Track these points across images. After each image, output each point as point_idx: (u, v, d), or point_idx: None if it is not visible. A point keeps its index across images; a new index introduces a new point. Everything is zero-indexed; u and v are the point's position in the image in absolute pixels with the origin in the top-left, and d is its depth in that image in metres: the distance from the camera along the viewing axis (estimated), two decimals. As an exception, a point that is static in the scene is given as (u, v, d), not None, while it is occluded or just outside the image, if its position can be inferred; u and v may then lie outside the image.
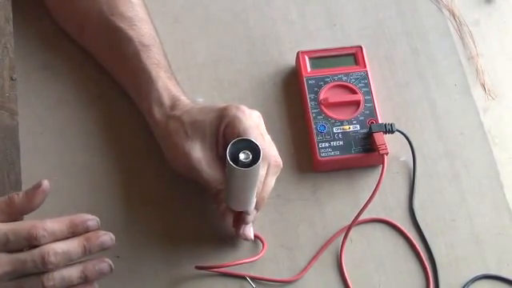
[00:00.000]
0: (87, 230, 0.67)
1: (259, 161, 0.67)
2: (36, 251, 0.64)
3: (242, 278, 0.77)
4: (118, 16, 0.84)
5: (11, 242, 0.64)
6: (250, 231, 0.78)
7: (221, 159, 0.77)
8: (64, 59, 0.90)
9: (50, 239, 0.65)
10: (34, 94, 0.88)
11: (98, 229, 0.67)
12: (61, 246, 0.65)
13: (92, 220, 0.67)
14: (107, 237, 0.67)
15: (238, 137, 0.70)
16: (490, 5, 0.97)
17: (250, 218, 0.77)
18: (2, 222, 0.66)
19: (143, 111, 0.83)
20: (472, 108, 0.89)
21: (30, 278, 0.65)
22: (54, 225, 0.65)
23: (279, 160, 0.78)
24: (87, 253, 0.66)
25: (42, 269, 0.64)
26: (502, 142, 0.87)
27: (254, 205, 0.76)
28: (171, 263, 0.78)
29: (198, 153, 0.76)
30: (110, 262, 0.68)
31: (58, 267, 0.65)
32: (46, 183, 0.68)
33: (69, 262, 0.65)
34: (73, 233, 0.66)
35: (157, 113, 0.80)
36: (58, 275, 0.65)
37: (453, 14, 0.96)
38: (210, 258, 0.78)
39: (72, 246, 0.65)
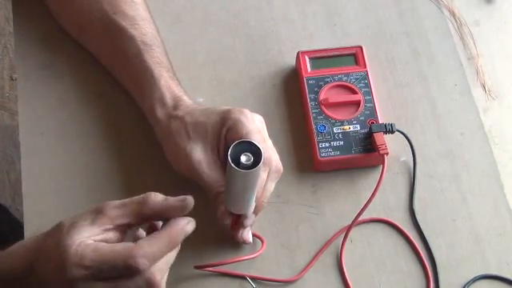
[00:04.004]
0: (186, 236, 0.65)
1: (260, 163, 0.67)
2: (139, 280, 0.62)
3: (242, 277, 0.77)
4: (120, 15, 0.84)
5: (106, 273, 0.61)
6: (248, 235, 0.78)
7: (221, 161, 0.77)
8: (64, 59, 0.90)
9: (151, 263, 0.62)
10: (35, 94, 0.88)
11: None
12: (161, 266, 0.63)
13: (189, 223, 0.65)
14: (190, 226, 0.65)
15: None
16: (490, 5, 0.97)
17: (249, 221, 0.77)
18: (123, 223, 0.63)
19: (145, 110, 0.83)
20: (472, 108, 0.89)
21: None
22: (153, 248, 0.62)
23: (280, 165, 0.78)
24: (174, 246, 0.64)
25: (135, 275, 0.62)
26: (503, 142, 0.87)
27: (253, 208, 0.76)
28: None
29: (199, 154, 0.76)
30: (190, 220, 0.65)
31: (163, 279, 0.64)
32: (190, 200, 0.65)
33: (159, 259, 0.63)
34: (173, 247, 0.64)
35: (159, 112, 0.80)
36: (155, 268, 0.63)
37: (453, 14, 0.96)
38: (210, 257, 0.78)
39: (169, 255, 0.64)
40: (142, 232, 0.69)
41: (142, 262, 0.61)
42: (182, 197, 0.65)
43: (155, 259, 0.62)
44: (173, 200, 0.64)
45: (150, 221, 0.67)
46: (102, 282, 0.62)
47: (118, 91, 0.87)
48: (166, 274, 0.66)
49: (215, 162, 0.77)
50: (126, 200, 0.65)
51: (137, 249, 0.61)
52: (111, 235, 0.64)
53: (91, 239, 0.62)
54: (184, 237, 0.64)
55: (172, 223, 0.64)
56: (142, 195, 0.65)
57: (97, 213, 0.64)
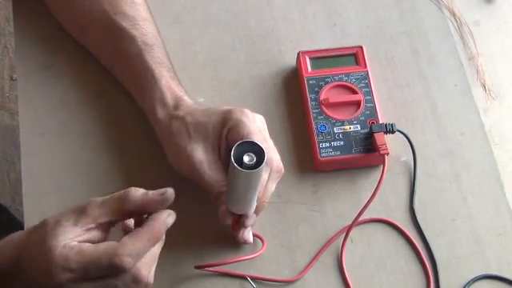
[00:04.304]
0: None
1: (263, 164, 0.67)
2: (126, 277, 0.62)
3: (243, 277, 0.77)
4: (121, 15, 0.84)
5: (92, 274, 0.62)
6: (249, 235, 0.78)
7: (222, 161, 0.77)
8: (64, 59, 0.90)
9: (135, 260, 0.62)
10: (35, 94, 0.88)
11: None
12: (146, 261, 0.63)
13: (170, 216, 0.65)
14: (171, 219, 0.65)
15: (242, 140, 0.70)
16: (490, 5, 0.97)
17: (250, 221, 0.77)
18: (105, 221, 0.64)
19: (146, 111, 0.83)
20: (472, 108, 0.89)
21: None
22: (136, 245, 0.63)
23: (281, 166, 0.78)
24: (156, 241, 0.65)
25: (137, 285, 0.63)
26: (503, 142, 0.87)
27: (254, 208, 0.76)
28: (171, 263, 0.78)
29: (200, 154, 0.76)
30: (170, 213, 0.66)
31: (150, 273, 0.64)
32: (170, 192, 0.65)
33: (143, 256, 0.63)
34: (156, 241, 0.64)
35: (160, 112, 0.80)
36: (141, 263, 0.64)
37: (453, 14, 0.96)
38: (210, 257, 0.78)
39: (154, 249, 0.64)
40: (130, 222, 0.69)
41: (127, 261, 0.62)
42: (162, 190, 0.65)
43: (140, 255, 0.63)
44: (153, 194, 0.65)
45: (133, 216, 0.67)
46: (90, 282, 0.62)
47: (118, 91, 0.87)
48: (154, 266, 0.66)
49: (216, 162, 0.77)
50: (107, 197, 0.65)
51: (121, 248, 0.62)
52: (94, 234, 0.64)
53: (75, 240, 0.63)
54: (165, 229, 0.65)
55: (153, 218, 0.65)
56: (122, 191, 0.65)
57: (80, 212, 0.64)
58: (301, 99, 0.88)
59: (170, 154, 0.79)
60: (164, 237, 0.66)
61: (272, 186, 0.77)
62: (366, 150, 0.83)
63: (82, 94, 0.88)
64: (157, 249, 0.66)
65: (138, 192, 0.65)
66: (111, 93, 0.87)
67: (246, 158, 0.67)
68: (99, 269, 0.62)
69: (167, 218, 0.65)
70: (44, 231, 0.63)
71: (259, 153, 0.68)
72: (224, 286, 0.77)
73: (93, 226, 0.64)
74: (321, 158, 0.83)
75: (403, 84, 0.91)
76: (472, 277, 0.78)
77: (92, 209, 0.64)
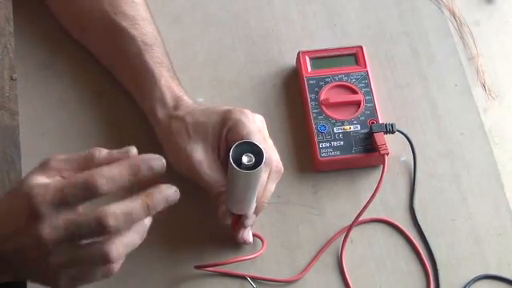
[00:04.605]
0: (151, 173, 0.61)
1: (262, 164, 0.67)
2: (92, 214, 0.58)
3: (243, 277, 0.77)
4: (121, 15, 0.84)
5: (68, 197, 0.58)
6: (248, 235, 0.78)
7: (222, 161, 0.77)
8: (64, 59, 0.90)
9: (110, 186, 0.58)
10: (35, 94, 0.88)
11: (164, 169, 0.61)
12: (120, 207, 0.59)
13: (157, 159, 0.61)
14: (171, 190, 0.62)
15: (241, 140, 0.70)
16: (490, 5, 0.97)
17: (249, 221, 0.77)
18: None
19: (145, 110, 0.83)
20: (472, 108, 0.89)
21: (89, 245, 0.60)
22: (112, 170, 0.59)
23: (280, 166, 0.78)
24: (151, 211, 0.60)
25: (100, 233, 0.59)
26: (503, 142, 0.87)
27: (253, 208, 0.76)
28: (171, 263, 0.78)
29: (200, 154, 0.76)
30: (175, 189, 0.62)
31: (118, 231, 0.59)
32: (134, 151, 0.62)
33: (130, 225, 0.60)
34: (135, 176, 0.60)
35: (159, 112, 0.80)
36: (120, 241, 0.60)
37: (453, 14, 0.96)
38: (210, 257, 0.78)
39: (132, 205, 0.59)
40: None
41: (101, 182, 0.58)
42: (125, 148, 0.63)
43: (114, 182, 0.59)
44: (117, 153, 0.63)
45: None
46: (60, 218, 0.59)
47: (118, 91, 0.87)
48: (125, 249, 0.62)
49: (216, 162, 0.77)
50: (71, 154, 0.63)
51: (97, 170, 0.59)
52: None
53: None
54: (149, 174, 0.61)
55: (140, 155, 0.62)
56: (86, 151, 0.63)
57: (43, 165, 0.62)
58: (301, 99, 0.88)
59: (170, 154, 0.79)
60: (147, 229, 0.63)
61: (272, 186, 0.77)
62: (366, 150, 0.83)
63: (82, 94, 0.88)
64: (134, 238, 0.62)
65: (102, 152, 0.62)
66: (111, 93, 0.87)
67: (244, 159, 0.67)
68: (75, 190, 0.58)
69: (156, 158, 0.62)
70: (16, 185, 0.62)
71: (258, 153, 0.68)
72: (224, 286, 0.77)
73: (58, 178, 0.61)
74: (321, 158, 0.83)
75: (403, 84, 0.91)
76: (472, 277, 0.78)
77: (55, 162, 0.62)
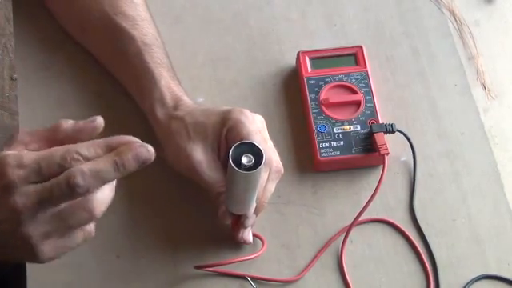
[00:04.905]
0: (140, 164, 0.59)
1: (261, 165, 0.67)
2: (61, 175, 0.57)
3: (243, 277, 0.77)
4: (121, 15, 0.84)
5: (44, 170, 0.57)
6: (249, 235, 0.78)
7: (222, 162, 0.77)
8: (64, 59, 0.90)
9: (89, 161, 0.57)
10: (35, 94, 0.88)
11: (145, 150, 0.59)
12: (87, 166, 0.57)
13: (140, 145, 0.59)
14: (143, 148, 0.59)
15: (240, 141, 0.70)
16: (490, 5, 0.97)
17: (249, 222, 0.77)
18: (35, 149, 0.60)
19: (145, 111, 0.83)
20: (472, 108, 0.89)
21: (68, 207, 0.58)
22: (88, 147, 0.58)
23: (280, 166, 0.78)
24: (121, 170, 0.58)
25: (71, 195, 0.57)
26: (503, 142, 0.87)
27: (253, 209, 0.76)
28: (171, 263, 0.78)
29: (200, 155, 0.76)
30: (149, 148, 0.59)
31: (88, 191, 0.57)
32: (100, 120, 0.61)
33: (101, 184, 0.58)
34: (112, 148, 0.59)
35: (159, 112, 0.80)
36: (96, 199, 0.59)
37: (453, 14, 0.96)
38: (210, 257, 0.78)
39: (101, 164, 0.58)
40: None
41: (76, 158, 0.57)
42: (91, 118, 0.62)
43: (89, 159, 0.58)
44: (83, 122, 0.62)
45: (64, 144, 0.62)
46: (32, 185, 0.58)
47: (117, 91, 0.87)
48: (105, 200, 0.61)
49: (215, 162, 0.77)
50: (39, 128, 0.63)
51: (73, 146, 0.59)
52: None
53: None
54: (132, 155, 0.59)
55: (116, 136, 0.61)
56: (52, 124, 0.62)
57: (10, 139, 0.62)
58: (301, 99, 0.88)
59: (170, 154, 0.79)
60: (115, 182, 0.62)
61: (271, 187, 0.77)
62: (366, 150, 0.83)
63: (82, 95, 0.88)
64: (111, 194, 0.61)
65: (68, 122, 0.62)
66: (111, 93, 0.87)
67: (244, 160, 0.67)
68: (50, 164, 0.58)
69: (138, 143, 0.60)
70: None
71: (258, 154, 0.67)
72: (224, 286, 0.77)
73: (25, 152, 0.60)
74: (321, 158, 0.83)
75: (403, 84, 0.91)
76: (472, 277, 0.78)
77: (21, 136, 0.62)
